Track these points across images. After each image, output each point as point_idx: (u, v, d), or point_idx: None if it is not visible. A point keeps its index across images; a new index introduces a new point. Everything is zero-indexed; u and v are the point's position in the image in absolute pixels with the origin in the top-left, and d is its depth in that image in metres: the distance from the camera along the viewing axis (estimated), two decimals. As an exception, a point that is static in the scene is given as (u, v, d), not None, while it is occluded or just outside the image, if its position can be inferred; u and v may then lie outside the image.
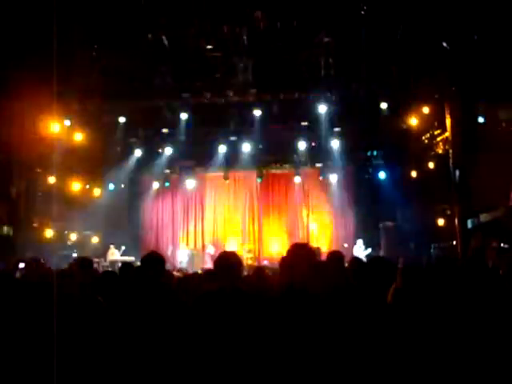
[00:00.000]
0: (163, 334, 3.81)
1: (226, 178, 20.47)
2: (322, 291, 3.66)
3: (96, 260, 16.30)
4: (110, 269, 13.59)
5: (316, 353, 3.31)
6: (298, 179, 20.17)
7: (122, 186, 20.08)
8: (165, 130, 18.80)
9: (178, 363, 3.67)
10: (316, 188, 20.90)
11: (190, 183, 20.45)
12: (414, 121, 16.65)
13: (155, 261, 4.24)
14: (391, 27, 13.95)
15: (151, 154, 19.58)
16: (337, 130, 18.42)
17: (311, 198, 21.01)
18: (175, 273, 9.25)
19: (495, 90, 13.50)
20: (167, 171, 20.42)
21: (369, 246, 17.20)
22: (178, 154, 19.34)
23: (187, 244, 21.05)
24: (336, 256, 5.17)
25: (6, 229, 15.19)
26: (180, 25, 14.60)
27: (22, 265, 11.62)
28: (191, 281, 6.58)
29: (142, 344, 3.80)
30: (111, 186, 19.65)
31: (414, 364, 3.43)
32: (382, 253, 17.02)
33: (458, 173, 15.43)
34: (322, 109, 17.26)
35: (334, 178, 19.97)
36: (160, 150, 19.40)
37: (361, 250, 17.06)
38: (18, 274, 8.59)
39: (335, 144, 18.60)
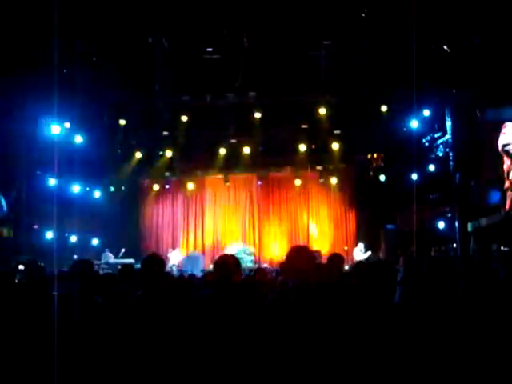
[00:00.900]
0: (163, 337, 3.81)
1: (226, 180, 20.48)
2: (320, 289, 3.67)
3: (96, 262, 16.32)
4: (110, 271, 13.58)
5: (319, 350, 3.31)
6: (298, 182, 20.17)
7: (123, 188, 20.08)
8: (165, 133, 18.79)
9: (179, 365, 3.67)
10: (316, 191, 20.92)
11: (190, 186, 20.45)
12: (414, 123, 16.66)
13: (156, 263, 4.23)
14: (392, 30, 13.94)
15: (151, 157, 19.58)
16: (337, 132, 18.43)
17: (311, 201, 21.04)
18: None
19: (496, 92, 13.52)
20: (167, 174, 20.44)
21: (368, 249, 17.17)
22: (178, 157, 19.34)
23: (187, 247, 21.07)
24: (336, 258, 5.18)
25: (6, 231, 15.19)
26: (180, 27, 14.62)
27: (21, 267, 11.63)
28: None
29: (143, 346, 3.79)
30: (111, 189, 19.66)
31: (409, 362, 3.43)
32: (381, 256, 17.02)
33: (458, 176, 15.44)
34: (322, 111, 17.28)
35: (334, 181, 19.97)
36: (160, 153, 19.40)
37: (361, 254, 17.05)
38: (17, 276, 8.58)
39: (335, 147, 18.59)
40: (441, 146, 16.43)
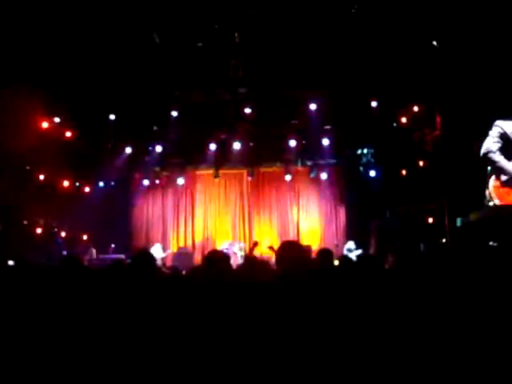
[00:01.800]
0: (154, 332, 3.81)
1: (216, 175, 20.46)
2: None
3: (87, 258, 16.29)
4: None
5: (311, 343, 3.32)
6: (288, 177, 20.19)
7: (112, 183, 20.01)
8: (155, 128, 18.73)
9: (170, 362, 3.67)
10: (306, 186, 20.95)
11: (181, 181, 20.42)
12: (404, 119, 16.73)
13: (146, 259, 4.24)
14: (382, 25, 13.97)
15: (141, 152, 19.50)
16: (327, 127, 18.46)
17: (301, 196, 21.08)
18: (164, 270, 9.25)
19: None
20: (157, 169, 20.38)
21: (359, 245, 17.20)
22: (168, 152, 19.29)
23: (177, 243, 21.05)
24: (324, 252, 5.20)
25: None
26: (171, 22, 14.56)
27: (10, 262, 11.56)
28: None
29: (133, 342, 3.79)
30: (101, 184, 19.59)
31: (399, 355, 3.45)
32: (371, 251, 17.06)
33: (447, 171, 15.52)
34: (313, 107, 17.30)
35: (324, 176, 20.00)
36: (150, 148, 19.33)
37: (351, 251, 17.07)
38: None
39: (326, 142, 18.62)
40: (430, 141, 16.50)
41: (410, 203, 17.04)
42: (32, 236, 15.93)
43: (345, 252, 17.20)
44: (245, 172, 20.78)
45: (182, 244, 20.99)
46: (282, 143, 18.99)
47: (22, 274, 4.67)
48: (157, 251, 18.47)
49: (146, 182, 20.62)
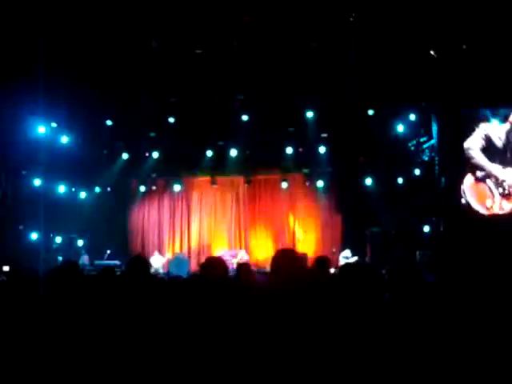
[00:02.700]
0: (149, 338, 3.80)
1: (212, 182, 20.46)
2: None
3: (81, 263, 16.23)
4: (94, 273, 13.50)
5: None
6: (284, 185, 20.19)
7: (108, 189, 19.99)
8: (152, 134, 18.73)
9: (167, 368, 3.67)
10: (302, 194, 20.93)
11: (177, 187, 20.40)
12: (400, 128, 16.78)
13: (141, 265, 4.24)
14: (379, 34, 14.03)
15: (138, 158, 19.49)
16: (324, 135, 18.48)
17: (298, 204, 21.06)
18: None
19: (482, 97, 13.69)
20: (154, 175, 20.36)
21: (355, 253, 17.20)
22: (164, 158, 19.27)
23: (173, 249, 21.02)
24: (321, 260, 5.20)
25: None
26: (169, 28, 14.59)
27: (6, 268, 11.54)
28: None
29: (127, 347, 3.79)
30: (97, 189, 19.57)
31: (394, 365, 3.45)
32: (367, 259, 17.07)
33: (443, 180, 15.58)
34: (310, 114, 17.34)
35: (320, 184, 20.01)
36: (147, 154, 19.33)
37: (347, 259, 17.08)
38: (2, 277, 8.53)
39: (322, 150, 18.64)
40: (426, 150, 16.56)
41: (406, 212, 17.06)
42: (27, 241, 15.88)
43: (341, 259, 17.21)
44: (241, 179, 20.78)
45: (177, 250, 20.95)
46: (279, 150, 19.01)
47: (18, 281, 4.66)
48: (156, 260, 18.49)
49: (142, 189, 20.61)
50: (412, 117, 16.47)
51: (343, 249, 18.11)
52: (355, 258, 16.81)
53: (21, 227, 16.17)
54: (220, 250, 19.91)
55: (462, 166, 15.01)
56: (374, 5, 13.47)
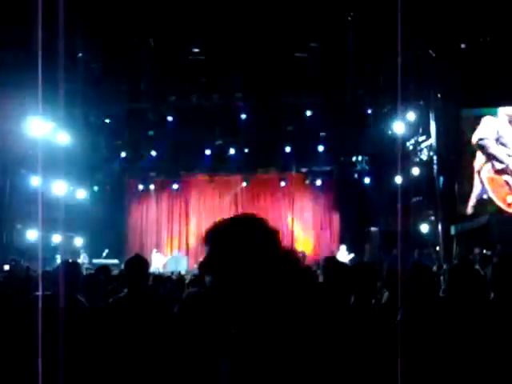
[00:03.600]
0: (149, 336, 3.81)
1: (211, 181, 20.45)
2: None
3: (80, 262, 16.19)
4: (92, 271, 13.48)
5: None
6: (283, 183, 20.20)
7: (107, 188, 19.97)
8: (150, 133, 18.73)
9: (161, 365, 3.67)
10: (301, 192, 20.95)
11: (175, 186, 20.38)
12: (399, 127, 16.77)
13: (139, 264, 4.24)
14: (378, 33, 14.03)
15: (136, 157, 19.49)
16: (322, 134, 18.49)
17: (296, 202, 21.06)
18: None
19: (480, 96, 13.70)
20: (152, 174, 20.35)
21: (352, 251, 17.18)
22: (163, 157, 19.27)
23: (171, 247, 21.02)
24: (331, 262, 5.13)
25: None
26: (167, 28, 14.59)
27: (6, 267, 11.52)
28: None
29: (128, 346, 3.79)
30: (96, 188, 19.54)
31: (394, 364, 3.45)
32: (365, 258, 17.06)
33: (441, 179, 15.59)
34: (308, 113, 17.33)
35: (319, 183, 20.02)
36: (145, 153, 19.33)
37: (344, 255, 17.07)
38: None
39: (321, 149, 18.65)
40: (425, 149, 16.56)
41: (405, 211, 17.05)
42: (25, 240, 15.86)
43: (339, 256, 17.20)
44: (240, 178, 20.77)
45: (176, 248, 20.94)
46: (277, 149, 19.02)
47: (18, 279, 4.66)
48: (156, 259, 18.45)
49: (140, 187, 20.60)
50: (410, 116, 16.46)
51: (340, 246, 18.10)
52: (352, 255, 16.77)
53: (18, 226, 16.15)
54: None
55: (460, 166, 15.05)
56: (373, 4, 13.48)
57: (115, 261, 16.32)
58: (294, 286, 1.97)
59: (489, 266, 4.02)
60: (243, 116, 17.44)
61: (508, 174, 14.59)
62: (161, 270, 17.70)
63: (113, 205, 20.32)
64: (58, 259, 16.21)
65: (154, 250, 19.39)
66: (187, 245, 21.15)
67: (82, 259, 17.51)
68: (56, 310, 3.69)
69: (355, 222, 18.95)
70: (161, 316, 3.99)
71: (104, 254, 18.06)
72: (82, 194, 19.07)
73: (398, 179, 17.33)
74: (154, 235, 21.29)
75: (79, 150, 17.59)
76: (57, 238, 17.76)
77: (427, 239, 16.32)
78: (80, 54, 15.32)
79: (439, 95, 15.22)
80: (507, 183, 14.61)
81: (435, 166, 15.80)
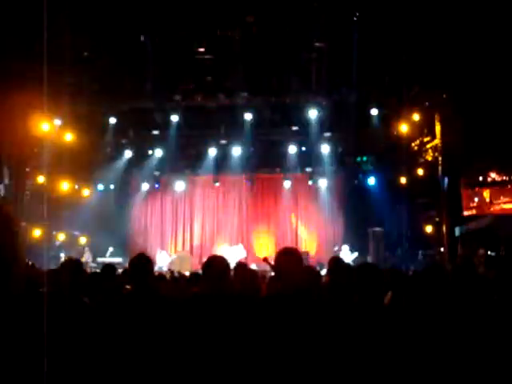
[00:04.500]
0: (150, 336, 3.81)
1: (215, 181, 20.47)
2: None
3: (84, 261, 16.23)
4: (97, 270, 13.50)
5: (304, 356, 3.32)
6: (287, 184, 20.20)
7: (112, 186, 20.01)
8: (155, 132, 18.76)
9: (164, 365, 3.67)
10: (305, 193, 20.94)
11: (180, 185, 20.40)
12: (404, 127, 16.74)
13: (144, 262, 4.24)
14: (383, 34, 14.02)
15: (141, 156, 19.54)
16: (327, 135, 18.46)
17: (300, 203, 21.06)
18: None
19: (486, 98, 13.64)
20: (157, 173, 20.38)
21: (355, 251, 17.14)
22: (168, 156, 19.29)
23: (175, 247, 21.04)
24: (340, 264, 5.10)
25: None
26: (172, 27, 14.61)
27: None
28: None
29: (132, 344, 3.79)
30: (100, 187, 19.59)
31: (398, 365, 3.45)
32: (369, 258, 17.04)
33: (446, 180, 15.56)
34: (313, 114, 17.30)
35: (323, 183, 20.01)
36: (150, 152, 19.36)
37: (348, 255, 17.05)
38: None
39: (325, 149, 18.64)
40: (430, 150, 16.52)
41: (409, 211, 17.05)
42: (30, 239, 15.89)
43: (342, 255, 17.18)
44: (244, 178, 20.77)
45: (180, 248, 20.96)
46: (282, 149, 19.02)
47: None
48: (161, 258, 18.46)
49: (145, 186, 20.63)
50: (415, 117, 16.43)
51: (343, 245, 18.07)
52: (356, 254, 16.73)
53: (23, 224, 16.19)
54: (221, 248, 19.87)
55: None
56: (378, 4, 13.47)
57: (119, 259, 16.34)
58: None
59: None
60: (248, 116, 17.42)
61: None
62: (165, 269, 17.72)
63: (117, 204, 20.38)
64: (63, 257, 16.28)
65: (159, 249, 19.44)
66: (191, 244, 21.17)
67: (86, 258, 17.54)
68: (57, 308, 3.70)
69: (359, 223, 18.91)
70: (165, 314, 3.99)
71: (108, 253, 18.10)
72: (86, 192, 19.12)
73: (403, 180, 17.33)
74: (158, 234, 21.32)
75: (84, 149, 17.62)
76: (61, 237, 17.82)
77: (432, 240, 16.31)
78: (85, 53, 15.37)
79: (444, 96, 15.19)
80: None
81: (440, 167, 15.77)
